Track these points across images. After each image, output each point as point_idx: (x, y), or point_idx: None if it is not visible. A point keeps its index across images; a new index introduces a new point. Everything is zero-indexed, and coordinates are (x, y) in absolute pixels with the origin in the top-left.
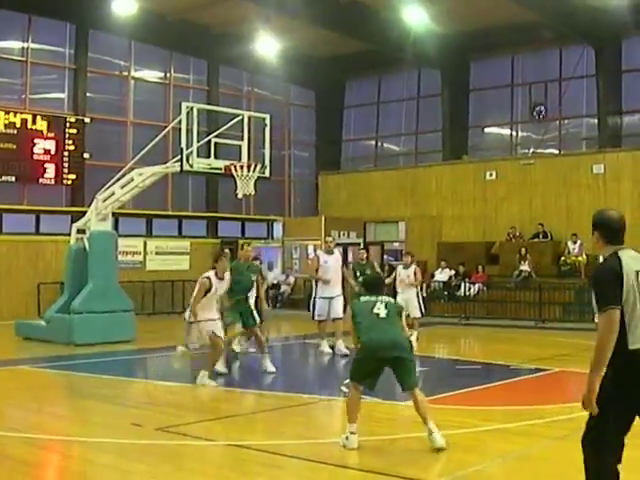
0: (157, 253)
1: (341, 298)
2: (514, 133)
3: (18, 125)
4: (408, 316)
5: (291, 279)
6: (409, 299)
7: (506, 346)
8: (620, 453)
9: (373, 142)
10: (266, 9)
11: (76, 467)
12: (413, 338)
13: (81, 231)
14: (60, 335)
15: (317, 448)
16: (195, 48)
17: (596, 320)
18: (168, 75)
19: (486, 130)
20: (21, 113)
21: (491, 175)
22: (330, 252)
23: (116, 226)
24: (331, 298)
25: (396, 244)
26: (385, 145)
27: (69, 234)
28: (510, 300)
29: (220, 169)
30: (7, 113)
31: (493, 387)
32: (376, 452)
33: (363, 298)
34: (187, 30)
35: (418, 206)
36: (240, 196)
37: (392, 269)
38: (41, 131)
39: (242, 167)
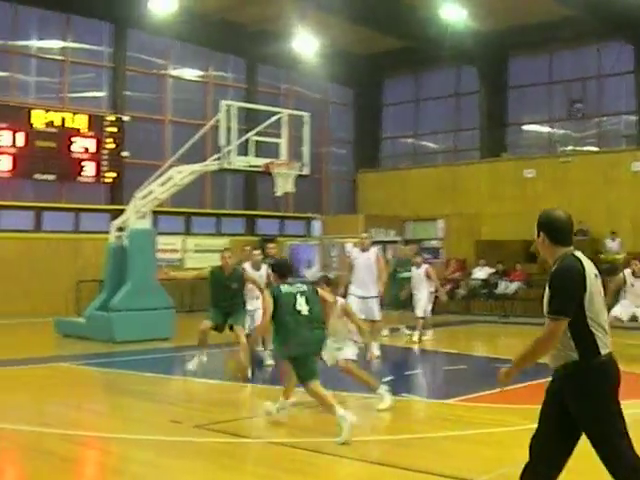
0: (196, 251)
1: (376, 299)
2: (553, 130)
3: (58, 124)
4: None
5: (330, 276)
6: (419, 299)
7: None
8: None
9: (411, 140)
10: (304, 7)
11: (115, 464)
12: (415, 338)
13: (120, 229)
14: (99, 332)
15: (356, 446)
16: (233, 46)
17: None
18: (206, 73)
19: (524, 127)
20: (61, 112)
21: (530, 173)
22: (364, 250)
23: (155, 224)
24: (364, 298)
25: (434, 242)
26: (423, 143)
27: (108, 232)
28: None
29: (259, 167)
30: (47, 112)
31: (532, 385)
32: (416, 450)
33: (283, 288)
34: (225, 28)
35: (457, 204)
36: (279, 194)
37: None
38: (80, 130)
39: (281, 165)
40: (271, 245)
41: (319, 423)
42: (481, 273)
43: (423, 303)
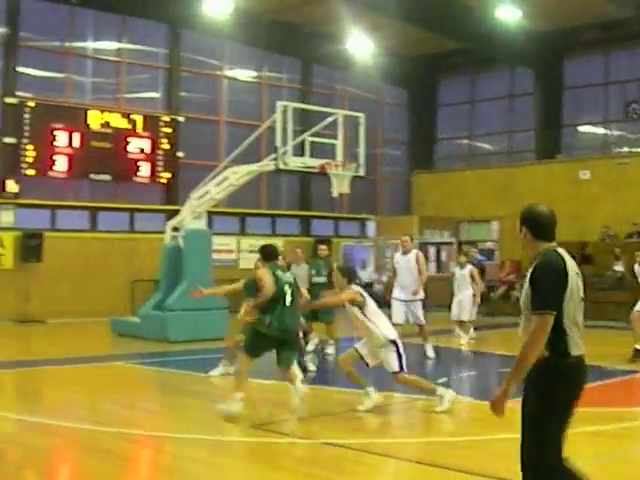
0: (251, 251)
1: (419, 302)
2: (608, 132)
3: (113, 124)
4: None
5: (384, 278)
6: (462, 300)
7: (599, 347)
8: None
9: (466, 141)
10: (358, 7)
11: (168, 462)
12: (464, 341)
13: (176, 229)
14: (154, 332)
15: (409, 447)
16: (288, 47)
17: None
18: (261, 74)
19: (580, 129)
20: (116, 112)
21: (585, 174)
22: (405, 252)
23: (210, 224)
24: (406, 301)
25: (489, 243)
26: (478, 144)
27: (163, 232)
28: (603, 301)
29: (314, 168)
30: (103, 112)
31: (586, 388)
32: (470, 452)
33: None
34: (280, 29)
35: (511, 205)
36: (335, 195)
37: (482, 269)
38: (136, 130)
39: (337, 166)
40: (323, 247)
41: (372, 424)
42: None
43: (468, 306)
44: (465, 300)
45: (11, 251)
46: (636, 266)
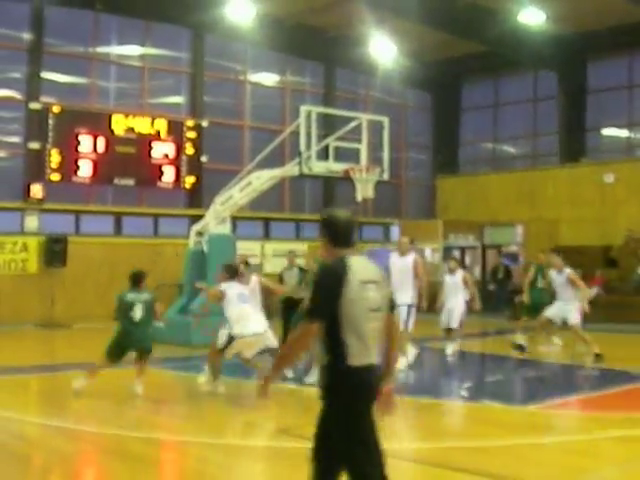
0: (274, 255)
1: (409, 307)
2: (632, 135)
3: (137, 129)
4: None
5: None
6: (452, 309)
7: (625, 351)
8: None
9: (490, 145)
10: (381, 11)
11: (195, 466)
12: (450, 351)
13: (200, 234)
14: (178, 336)
15: (435, 452)
16: (311, 51)
17: None
18: (284, 78)
19: (604, 132)
20: (140, 117)
21: (609, 178)
22: (403, 254)
23: (234, 229)
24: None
25: (513, 247)
26: (502, 148)
27: (187, 237)
28: (629, 304)
29: (338, 172)
30: (127, 117)
31: (612, 393)
32: (496, 457)
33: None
34: (303, 33)
35: (535, 209)
36: (359, 199)
37: (508, 271)
38: (159, 135)
39: (361, 170)
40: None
41: (399, 428)
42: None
43: (458, 314)
44: (456, 308)
45: (35, 256)
46: None
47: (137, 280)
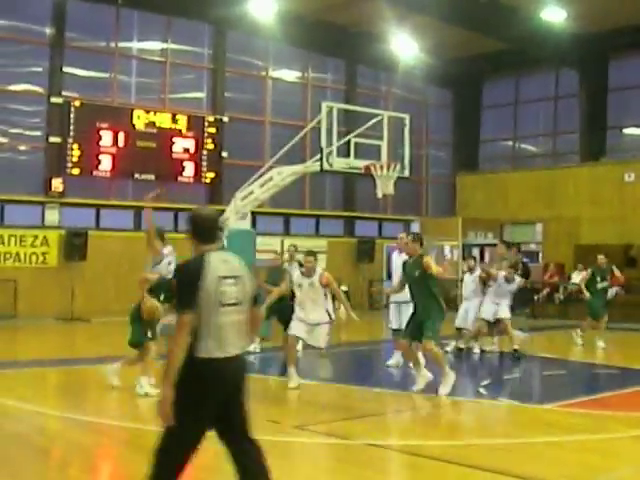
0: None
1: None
2: None
3: (158, 124)
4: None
5: None
6: (468, 309)
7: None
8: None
9: (510, 142)
10: (402, 8)
11: (211, 461)
12: (450, 348)
13: (220, 229)
14: None
15: (454, 449)
16: (332, 48)
17: None
18: (306, 75)
19: (625, 131)
20: (161, 112)
21: (630, 177)
22: (402, 251)
23: (254, 224)
24: (398, 303)
25: (533, 245)
26: (522, 146)
27: None
28: None
29: (359, 169)
30: (147, 112)
31: (632, 392)
32: (514, 455)
33: None
34: (324, 30)
35: (555, 208)
36: (380, 196)
37: (527, 270)
38: (180, 130)
39: (382, 167)
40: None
41: (418, 425)
42: (579, 278)
43: (473, 315)
44: (471, 309)
45: (56, 249)
46: None
47: None
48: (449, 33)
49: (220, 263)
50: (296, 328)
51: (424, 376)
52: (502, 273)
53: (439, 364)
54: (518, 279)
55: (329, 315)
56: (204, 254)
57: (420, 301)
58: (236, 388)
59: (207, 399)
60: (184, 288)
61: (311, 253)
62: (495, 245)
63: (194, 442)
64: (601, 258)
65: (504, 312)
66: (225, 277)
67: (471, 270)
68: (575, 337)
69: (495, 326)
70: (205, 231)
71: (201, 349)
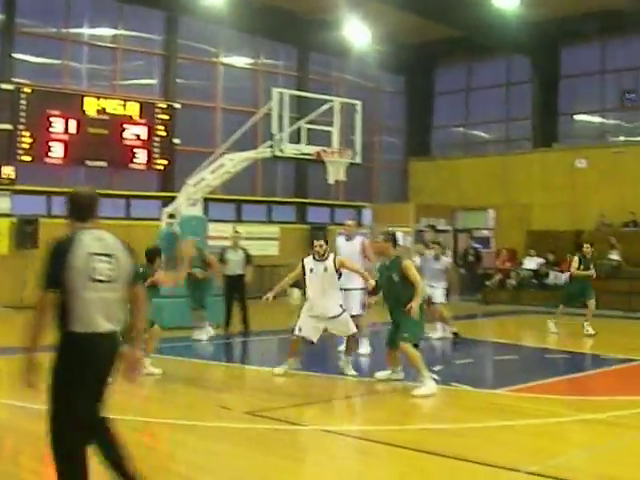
0: (246, 238)
1: (358, 292)
2: (605, 121)
3: (109, 111)
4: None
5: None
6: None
7: (596, 336)
8: (91, 434)
9: (462, 129)
10: None
11: (165, 448)
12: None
13: (172, 216)
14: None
15: (407, 434)
16: (284, 34)
17: None
18: (257, 61)
19: (576, 118)
20: (112, 99)
21: (581, 163)
22: (349, 238)
23: (206, 211)
24: (345, 290)
25: (485, 232)
26: (474, 132)
27: (159, 219)
28: (599, 289)
29: (311, 155)
30: (99, 99)
31: (582, 377)
32: (466, 439)
33: None
34: (276, 16)
35: (507, 194)
36: (331, 182)
37: (478, 255)
38: (132, 117)
39: (333, 153)
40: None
41: (370, 411)
42: (531, 263)
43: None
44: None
45: (7, 237)
46: None
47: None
48: (402, 20)
49: (93, 241)
50: (306, 329)
51: (427, 384)
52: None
53: (415, 366)
54: (445, 258)
55: (341, 306)
56: (77, 232)
57: (397, 306)
58: (107, 365)
59: (86, 370)
60: (52, 265)
61: (321, 236)
62: (446, 231)
63: (85, 421)
64: (587, 247)
65: (438, 297)
66: (97, 254)
67: (437, 257)
68: (551, 326)
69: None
70: (81, 209)
71: (72, 324)
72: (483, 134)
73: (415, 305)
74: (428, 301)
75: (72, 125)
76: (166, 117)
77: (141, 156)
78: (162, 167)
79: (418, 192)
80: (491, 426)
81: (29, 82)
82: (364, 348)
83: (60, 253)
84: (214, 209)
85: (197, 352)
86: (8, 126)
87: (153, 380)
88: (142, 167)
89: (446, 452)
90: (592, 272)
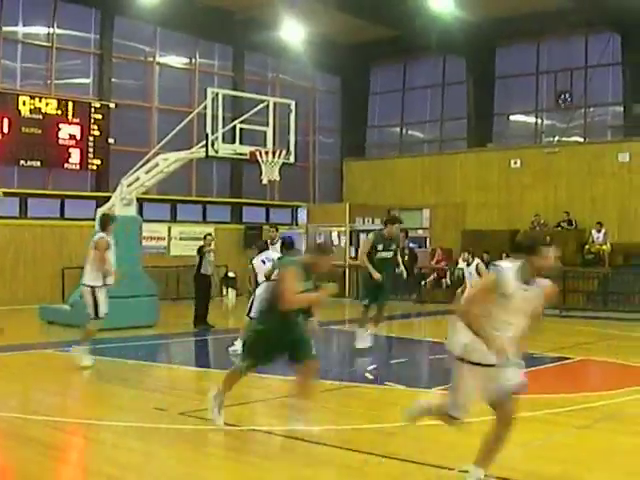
0: (181, 238)
1: None
2: (539, 121)
3: (43, 110)
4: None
5: None
6: None
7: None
8: None
9: (398, 129)
10: None
11: (100, 450)
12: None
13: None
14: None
15: (339, 433)
16: (220, 34)
17: None
18: (193, 61)
19: (511, 118)
20: (46, 98)
21: (516, 163)
22: (274, 243)
23: (141, 211)
24: None
25: (420, 231)
26: (410, 132)
27: (94, 219)
28: None
29: (245, 155)
30: (32, 98)
31: None
32: (398, 439)
33: None
34: (212, 16)
35: (442, 193)
36: (265, 182)
37: (414, 255)
38: (66, 116)
39: (267, 153)
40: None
41: (304, 411)
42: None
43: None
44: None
45: None
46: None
47: None
48: (338, 20)
49: None
50: None
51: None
52: None
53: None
54: None
55: None
56: None
57: None
58: None
59: None
60: None
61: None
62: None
63: None
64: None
65: None
66: None
67: (468, 262)
68: None
69: None
70: None
71: None
72: (418, 134)
73: None
74: None
75: (5, 124)
76: (100, 117)
77: (75, 156)
78: (96, 167)
79: (353, 192)
80: (425, 425)
81: None
82: (364, 342)
83: None
84: (149, 209)
85: (133, 353)
86: None
87: (89, 381)
88: (76, 167)
89: (377, 451)
90: None
